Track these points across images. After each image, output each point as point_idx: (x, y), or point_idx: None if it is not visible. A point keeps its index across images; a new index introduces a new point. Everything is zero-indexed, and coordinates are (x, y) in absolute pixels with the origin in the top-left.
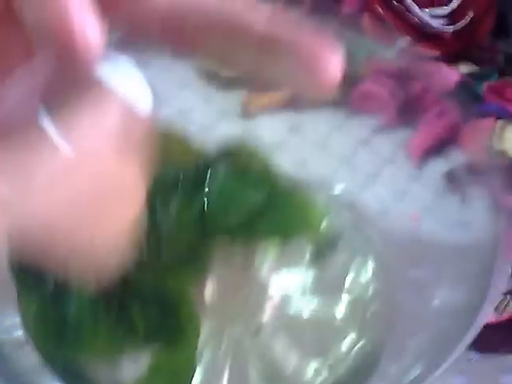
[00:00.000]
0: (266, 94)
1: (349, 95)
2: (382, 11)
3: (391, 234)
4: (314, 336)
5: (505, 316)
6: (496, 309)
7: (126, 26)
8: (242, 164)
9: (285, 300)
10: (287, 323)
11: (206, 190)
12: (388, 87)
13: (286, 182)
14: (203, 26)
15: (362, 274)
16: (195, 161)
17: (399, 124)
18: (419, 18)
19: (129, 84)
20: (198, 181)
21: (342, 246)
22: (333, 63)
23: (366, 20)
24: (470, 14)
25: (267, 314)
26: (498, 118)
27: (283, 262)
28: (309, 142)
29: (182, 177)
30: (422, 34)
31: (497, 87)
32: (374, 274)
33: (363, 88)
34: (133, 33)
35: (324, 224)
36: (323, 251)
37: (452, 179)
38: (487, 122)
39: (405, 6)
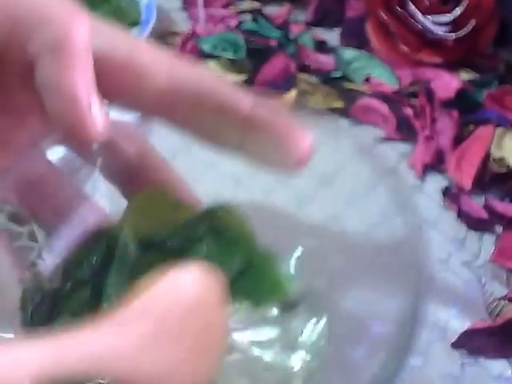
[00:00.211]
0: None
1: (350, 107)
2: (385, 17)
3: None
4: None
5: (498, 321)
6: (490, 314)
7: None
8: (222, 226)
9: (245, 351)
10: (246, 371)
11: (190, 252)
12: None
13: (260, 247)
14: (196, 104)
15: (315, 332)
16: (183, 220)
17: (400, 137)
18: (422, 25)
19: None
20: (183, 242)
21: (301, 308)
22: (303, 144)
23: (369, 25)
24: (473, 22)
25: (228, 364)
26: (498, 125)
27: (247, 320)
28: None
29: (168, 237)
30: (425, 41)
31: (497, 95)
32: (323, 333)
33: (364, 102)
34: (128, 107)
35: (290, 288)
36: (285, 312)
37: (448, 195)
38: (487, 130)
39: (408, 12)
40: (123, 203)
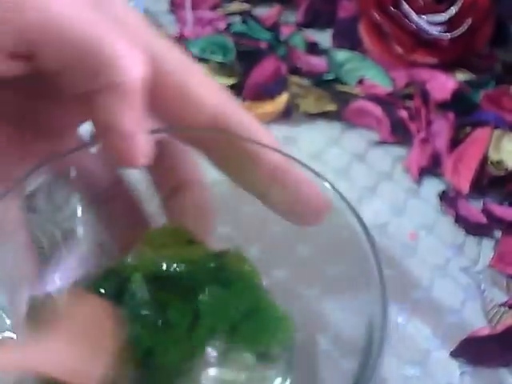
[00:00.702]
0: (261, 105)
1: (343, 110)
2: (378, 17)
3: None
4: None
5: (499, 328)
6: (490, 321)
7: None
8: (232, 271)
9: None
10: None
11: (200, 297)
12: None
13: (265, 292)
14: (230, 148)
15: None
16: (196, 257)
17: (395, 140)
18: (416, 25)
19: None
20: (194, 285)
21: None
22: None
23: (361, 26)
24: (468, 22)
25: None
26: (495, 127)
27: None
28: (304, 153)
29: (180, 278)
30: (419, 41)
31: (494, 96)
32: None
33: (357, 105)
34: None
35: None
36: (261, 362)
37: (445, 199)
38: (484, 132)
39: (402, 12)
40: None
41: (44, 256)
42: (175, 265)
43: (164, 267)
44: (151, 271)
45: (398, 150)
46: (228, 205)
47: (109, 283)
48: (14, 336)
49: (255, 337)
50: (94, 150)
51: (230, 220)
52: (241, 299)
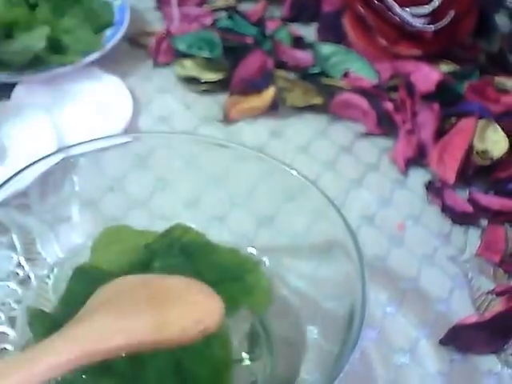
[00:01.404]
0: (248, 99)
1: (329, 103)
2: (362, 10)
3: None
4: None
5: (486, 316)
6: (478, 309)
7: None
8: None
9: None
10: None
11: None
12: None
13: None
14: None
15: None
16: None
17: (381, 132)
18: (400, 17)
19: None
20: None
21: None
22: None
23: (346, 19)
24: (451, 14)
25: None
26: (480, 117)
27: None
28: (292, 146)
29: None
30: (403, 34)
31: (478, 86)
32: None
33: (343, 97)
34: None
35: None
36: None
37: (431, 189)
38: (469, 122)
39: (386, 5)
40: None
41: (36, 251)
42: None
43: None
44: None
45: (384, 142)
46: None
47: (79, 282)
48: (10, 331)
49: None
50: None
51: None
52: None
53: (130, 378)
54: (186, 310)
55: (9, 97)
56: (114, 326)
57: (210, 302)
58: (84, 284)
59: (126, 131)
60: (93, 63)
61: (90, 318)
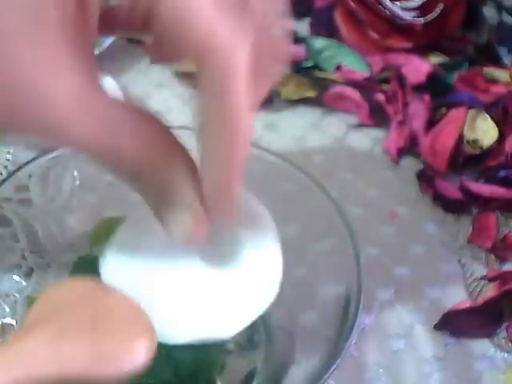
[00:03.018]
0: None
1: (322, 96)
2: (353, 5)
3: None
4: None
5: (479, 301)
6: (471, 294)
7: None
8: None
9: None
10: None
11: None
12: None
13: None
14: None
15: None
16: None
17: (373, 123)
18: (390, 11)
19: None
20: None
21: None
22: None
23: (337, 14)
24: (440, 6)
25: None
26: (470, 107)
27: None
28: (286, 138)
29: None
30: (393, 27)
31: (467, 77)
32: None
33: (336, 90)
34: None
35: None
36: None
37: (423, 178)
38: (459, 112)
39: None
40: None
41: (39, 244)
42: None
43: None
44: None
45: (377, 132)
46: None
47: (80, 273)
48: (14, 322)
49: None
50: None
51: None
52: None
53: None
54: (125, 343)
55: None
56: (49, 351)
57: (147, 338)
58: (85, 275)
59: None
60: None
61: (26, 338)
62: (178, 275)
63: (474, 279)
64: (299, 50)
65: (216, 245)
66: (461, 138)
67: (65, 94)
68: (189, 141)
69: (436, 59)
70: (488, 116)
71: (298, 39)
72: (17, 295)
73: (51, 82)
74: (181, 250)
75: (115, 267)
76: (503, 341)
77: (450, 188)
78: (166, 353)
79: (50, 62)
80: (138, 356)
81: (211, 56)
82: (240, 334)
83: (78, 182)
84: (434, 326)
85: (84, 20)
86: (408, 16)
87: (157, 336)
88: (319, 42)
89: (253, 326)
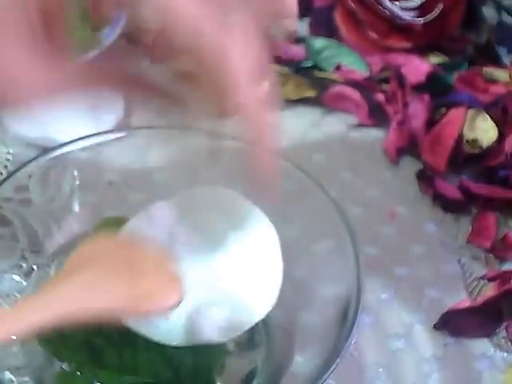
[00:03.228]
0: None
1: (322, 96)
2: (353, 5)
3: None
4: None
5: (479, 301)
6: (470, 294)
7: None
8: None
9: None
10: None
11: None
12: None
13: None
14: None
15: None
16: None
17: (373, 123)
18: (390, 11)
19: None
20: None
21: None
22: None
23: (337, 14)
24: (440, 6)
25: None
26: (469, 107)
27: None
28: (286, 139)
29: None
30: (393, 27)
31: (467, 77)
32: None
33: (336, 90)
34: None
35: None
36: None
37: (423, 178)
38: (459, 112)
39: None
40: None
41: (39, 244)
42: None
43: None
44: None
45: (377, 132)
46: None
47: None
48: None
49: None
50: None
51: None
52: None
53: (122, 371)
54: (154, 285)
55: None
56: (88, 291)
57: (174, 284)
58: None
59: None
60: (90, 60)
61: (65, 281)
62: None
63: (474, 279)
64: (299, 50)
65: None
66: (460, 137)
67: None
68: (187, 140)
69: (436, 59)
70: (487, 116)
71: (297, 39)
72: (17, 295)
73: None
74: (181, 254)
75: None
76: (503, 340)
77: (450, 188)
78: (166, 353)
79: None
80: (169, 298)
81: (202, 56)
82: (240, 335)
83: (77, 182)
84: (434, 325)
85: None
86: (407, 16)
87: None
88: (319, 42)
89: (253, 326)
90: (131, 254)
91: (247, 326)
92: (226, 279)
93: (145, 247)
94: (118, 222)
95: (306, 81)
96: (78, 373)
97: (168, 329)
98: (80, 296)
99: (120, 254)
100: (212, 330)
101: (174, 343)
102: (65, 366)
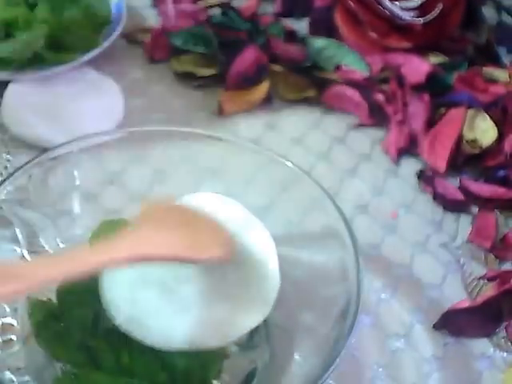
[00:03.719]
0: (243, 93)
1: (322, 95)
2: (353, 5)
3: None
4: None
5: (478, 300)
6: (470, 294)
7: None
8: None
9: None
10: None
11: None
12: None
13: None
14: None
15: None
16: None
17: (373, 123)
18: (390, 11)
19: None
20: None
21: None
22: None
23: (337, 14)
24: (440, 6)
25: None
26: (469, 107)
27: None
28: (286, 138)
29: None
30: (393, 27)
31: (466, 77)
32: None
33: (336, 90)
34: None
35: None
36: None
37: (423, 178)
38: (458, 112)
39: None
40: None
41: (39, 245)
42: None
43: None
44: None
45: (376, 132)
46: None
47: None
48: (15, 322)
49: None
50: None
51: None
52: None
53: (118, 373)
54: (210, 237)
55: (1, 95)
56: (154, 238)
57: (225, 236)
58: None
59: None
60: (90, 61)
61: (136, 231)
62: (176, 285)
63: (474, 279)
64: (299, 50)
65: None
66: (460, 137)
67: None
68: (186, 140)
69: (435, 59)
70: (487, 116)
71: (297, 39)
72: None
73: None
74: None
75: (116, 276)
76: (502, 340)
77: (450, 188)
78: (162, 357)
79: None
80: (220, 248)
81: None
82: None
83: (78, 182)
84: (434, 325)
85: None
86: (407, 16)
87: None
88: (319, 42)
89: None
90: (188, 215)
91: (246, 330)
92: (225, 284)
93: (199, 213)
94: (118, 224)
95: (306, 81)
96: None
97: (167, 334)
98: (147, 241)
99: (179, 214)
100: (210, 335)
101: (173, 348)
102: (63, 366)
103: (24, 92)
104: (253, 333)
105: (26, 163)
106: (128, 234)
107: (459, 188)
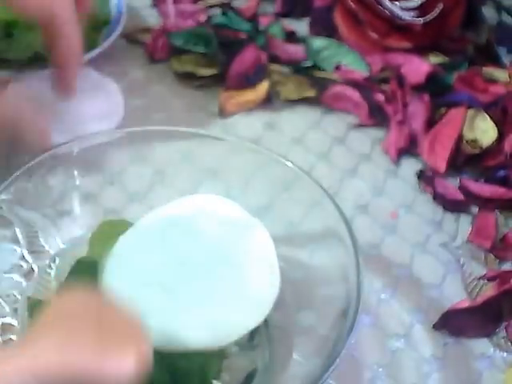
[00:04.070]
0: (243, 93)
1: (322, 95)
2: (353, 5)
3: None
4: None
5: (478, 300)
6: (470, 294)
7: None
8: None
9: None
10: None
11: None
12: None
13: None
14: None
15: None
16: None
17: (373, 123)
18: (390, 11)
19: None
20: None
21: None
22: None
23: (337, 14)
24: (440, 6)
25: None
26: (469, 107)
27: None
28: (286, 138)
29: None
30: (393, 27)
31: (467, 77)
32: None
33: (336, 90)
34: None
35: None
36: None
37: (423, 178)
38: (458, 112)
39: None
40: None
41: (39, 244)
42: None
43: None
44: None
45: (376, 132)
46: None
47: (78, 274)
48: (15, 322)
49: None
50: None
51: None
52: None
53: None
54: (122, 351)
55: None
56: (59, 352)
57: (138, 348)
58: (83, 276)
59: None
60: (90, 61)
61: (36, 340)
62: (176, 286)
63: (474, 279)
64: (299, 50)
65: None
66: (460, 137)
67: None
68: (187, 140)
69: (435, 59)
70: (487, 116)
71: (297, 39)
72: (17, 295)
73: None
74: (180, 261)
75: (116, 276)
76: (502, 340)
77: (450, 188)
78: (161, 357)
79: None
80: (129, 362)
81: None
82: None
83: (78, 182)
84: (433, 325)
85: None
86: (407, 16)
87: (151, 343)
88: (319, 42)
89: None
90: (100, 312)
91: (246, 331)
92: (224, 284)
93: (116, 303)
94: (118, 224)
95: (305, 81)
96: None
97: (167, 334)
98: (50, 356)
99: (89, 311)
100: (210, 335)
101: (173, 348)
102: None
103: (24, 92)
104: (253, 333)
105: (26, 163)
106: (31, 339)
107: (459, 188)
